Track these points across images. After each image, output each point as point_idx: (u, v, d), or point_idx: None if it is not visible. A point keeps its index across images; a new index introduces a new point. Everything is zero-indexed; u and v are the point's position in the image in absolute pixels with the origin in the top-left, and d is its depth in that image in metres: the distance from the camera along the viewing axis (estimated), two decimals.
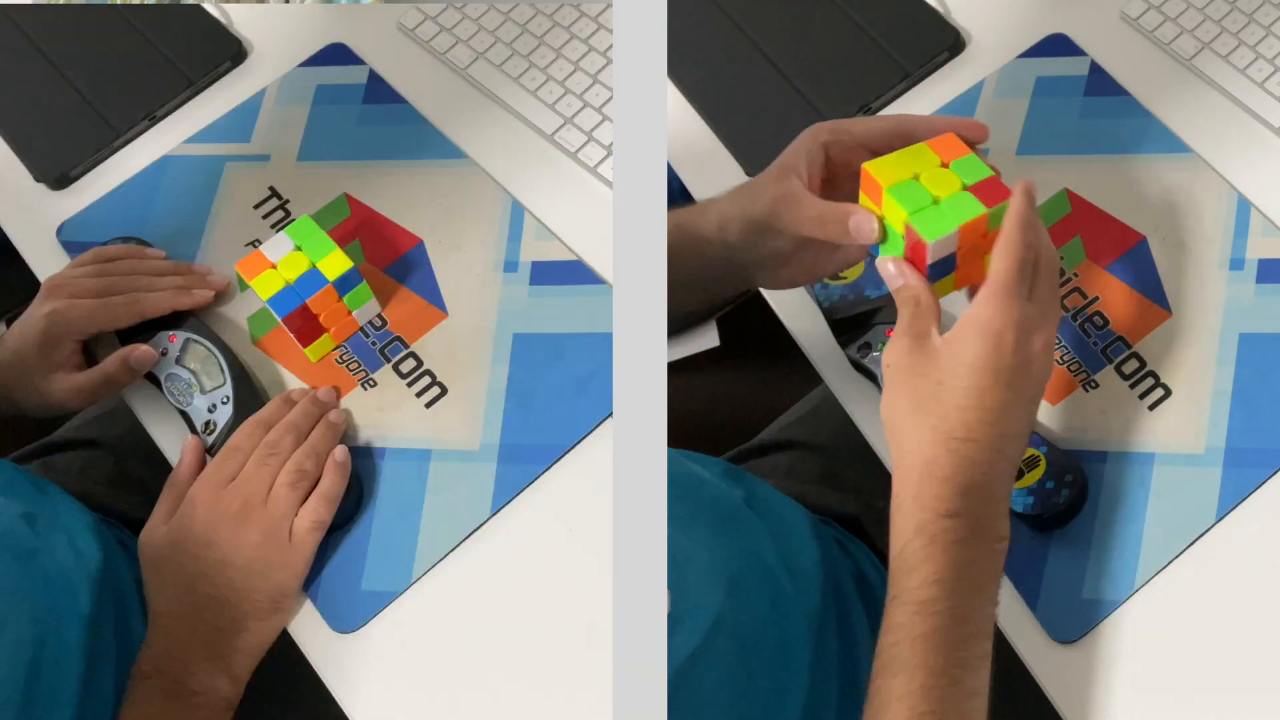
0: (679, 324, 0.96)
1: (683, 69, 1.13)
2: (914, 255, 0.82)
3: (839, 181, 0.87)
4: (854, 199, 0.85)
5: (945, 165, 0.83)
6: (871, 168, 0.82)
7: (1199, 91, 1.03)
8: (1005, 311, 0.78)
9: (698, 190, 1.08)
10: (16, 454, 1.12)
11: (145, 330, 1.01)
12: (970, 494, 0.77)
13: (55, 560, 0.91)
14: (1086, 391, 0.93)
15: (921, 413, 0.79)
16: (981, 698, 0.77)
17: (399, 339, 1.00)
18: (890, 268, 0.83)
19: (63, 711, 0.86)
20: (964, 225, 0.80)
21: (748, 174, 1.08)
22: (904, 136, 0.86)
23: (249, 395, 0.98)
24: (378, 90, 1.13)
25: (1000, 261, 0.79)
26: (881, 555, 0.91)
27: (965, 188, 0.82)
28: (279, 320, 0.96)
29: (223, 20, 1.19)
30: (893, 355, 0.81)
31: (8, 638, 0.84)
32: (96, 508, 1.01)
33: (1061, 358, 0.94)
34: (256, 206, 1.08)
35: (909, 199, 0.81)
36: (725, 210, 0.89)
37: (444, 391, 0.98)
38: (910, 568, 0.77)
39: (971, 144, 0.85)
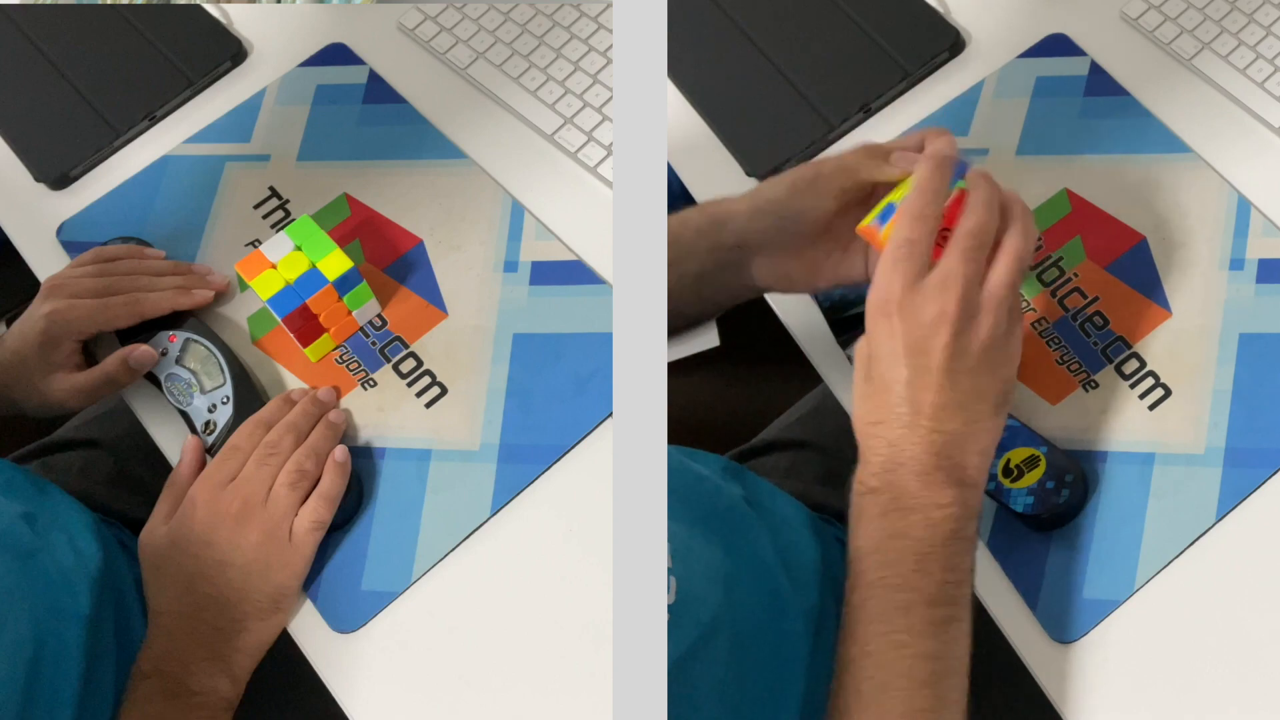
0: (676, 328, 0.97)
1: (683, 69, 1.13)
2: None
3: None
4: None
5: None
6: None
7: (1199, 91, 1.03)
8: (880, 291, 0.80)
9: (698, 190, 1.08)
10: (16, 454, 1.12)
11: (145, 330, 1.01)
12: (890, 471, 0.80)
13: (55, 560, 0.91)
14: (1086, 391, 0.93)
15: (856, 402, 0.83)
16: (943, 661, 0.78)
17: (399, 339, 1.00)
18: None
19: (63, 711, 0.86)
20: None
21: (747, 174, 1.08)
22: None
23: (249, 395, 0.98)
24: (378, 90, 1.13)
25: (888, 241, 0.81)
26: None
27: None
28: (279, 320, 0.96)
29: (223, 20, 1.19)
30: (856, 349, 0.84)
31: (8, 638, 0.84)
32: (97, 508, 1.01)
33: (1061, 358, 0.94)
34: (256, 206, 1.08)
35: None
36: (752, 192, 0.91)
37: (444, 391, 0.98)
38: (847, 544, 0.81)
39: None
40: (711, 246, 0.91)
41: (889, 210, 0.84)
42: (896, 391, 0.80)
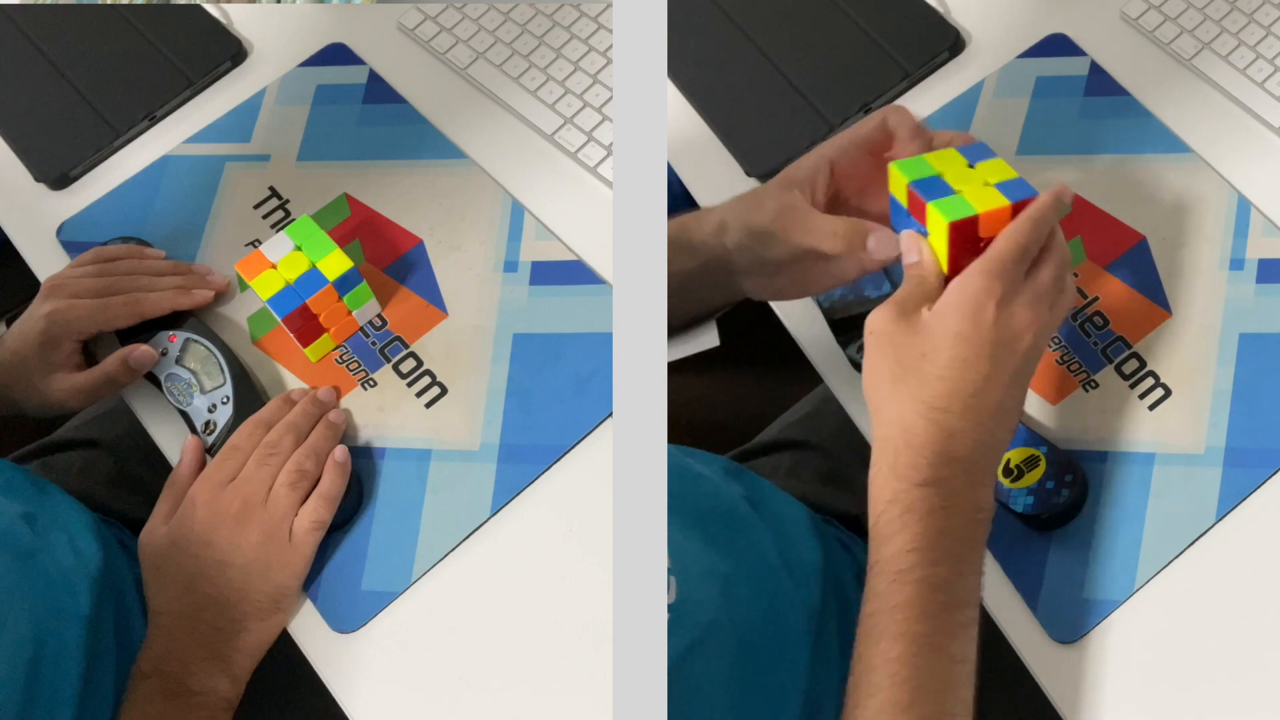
0: (671, 330, 0.96)
1: (683, 69, 1.13)
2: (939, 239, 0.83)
3: (845, 197, 0.88)
4: (859, 215, 0.87)
5: (971, 167, 0.85)
6: (895, 165, 0.84)
7: (1199, 91, 1.03)
8: (991, 285, 0.79)
9: (697, 190, 1.08)
10: (16, 454, 1.12)
11: (145, 330, 1.01)
12: (947, 464, 0.78)
13: (55, 560, 0.91)
14: (1086, 391, 0.93)
15: (902, 381, 0.80)
16: (965, 665, 0.78)
17: (399, 339, 1.00)
18: (909, 241, 0.84)
19: (62, 711, 0.86)
20: (985, 213, 0.81)
21: (747, 174, 1.08)
22: (884, 124, 0.87)
23: (249, 395, 0.97)
24: (378, 90, 1.13)
25: (1001, 241, 0.80)
26: None
27: (990, 184, 0.83)
28: (279, 320, 0.96)
29: (223, 20, 1.19)
30: (876, 321, 0.81)
31: (8, 637, 0.84)
32: (96, 508, 1.01)
33: (1061, 358, 0.94)
34: (256, 206, 1.08)
35: (931, 190, 0.83)
36: (725, 216, 0.89)
37: (444, 391, 0.98)
38: (886, 537, 0.78)
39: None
40: (692, 269, 0.90)
41: (934, 184, 0.83)
42: (973, 382, 0.78)
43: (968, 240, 0.82)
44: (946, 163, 0.85)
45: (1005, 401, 0.80)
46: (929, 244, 0.83)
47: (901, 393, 0.80)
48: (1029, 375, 0.82)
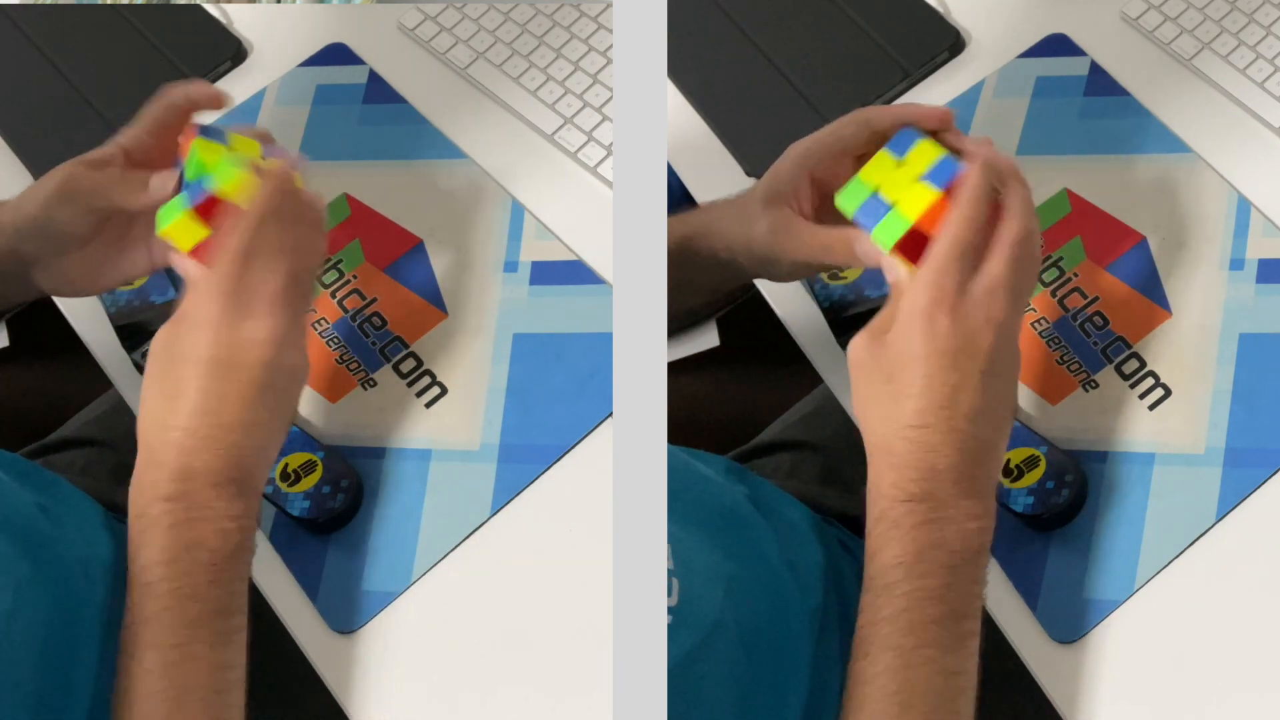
0: (679, 323, 0.97)
1: (683, 69, 1.13)
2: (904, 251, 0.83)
3: (829, 202, 0.89)
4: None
5: (900, 160, 0.84)
6: (838, 200, 0.85)
7: (1199, 91, 1.03)
8: (937, 294, 0.78)
9: (698, 190, 1.08)
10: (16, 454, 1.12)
11: (142, 336, 1.00)
12: (931, 477, 0.78)
13: (72, 549, 0.91)
14: (1086, 391, 0.93)
15: (877, 404, 0.80)
16: (963, 676, 0.77)
17: (399, 339, 1.00)
18: (886, 262, 0.83)
19: (80, 700, 0.86)
20: (920, 218, 0.81)
21: (747, 174, 1.08)
22: (867, 126, 0.87)
23: None
24: (378, 90, 1.13)
25: (939, 244, 0.79)
26: None
27: (919, 178, 0.83)
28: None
29: (223, 20, 1.19)
30: (852, 349, 0.81)
31: (28, 625, 0.84)
32: (101, 504, 1.00)
33: (1061, 358, 0.94)
34: None
35: (871, 214, 0.83)
36: (729, 238, 0.91)
37: (444, 391, 0.98)
38: (873, 553, 0.78)
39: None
40: (714, 281, 0.95)
41: (875, 204, 0.83)
42: (941, 393, 0.78)
43: (921, 247, 0.81)
44: (879, 171, 0.84)
45: (982, 404, 0.79)
46: (901, 260, 0.82)
47: (878, 415, 0.80)
48: (1008, 368, 0.81)
